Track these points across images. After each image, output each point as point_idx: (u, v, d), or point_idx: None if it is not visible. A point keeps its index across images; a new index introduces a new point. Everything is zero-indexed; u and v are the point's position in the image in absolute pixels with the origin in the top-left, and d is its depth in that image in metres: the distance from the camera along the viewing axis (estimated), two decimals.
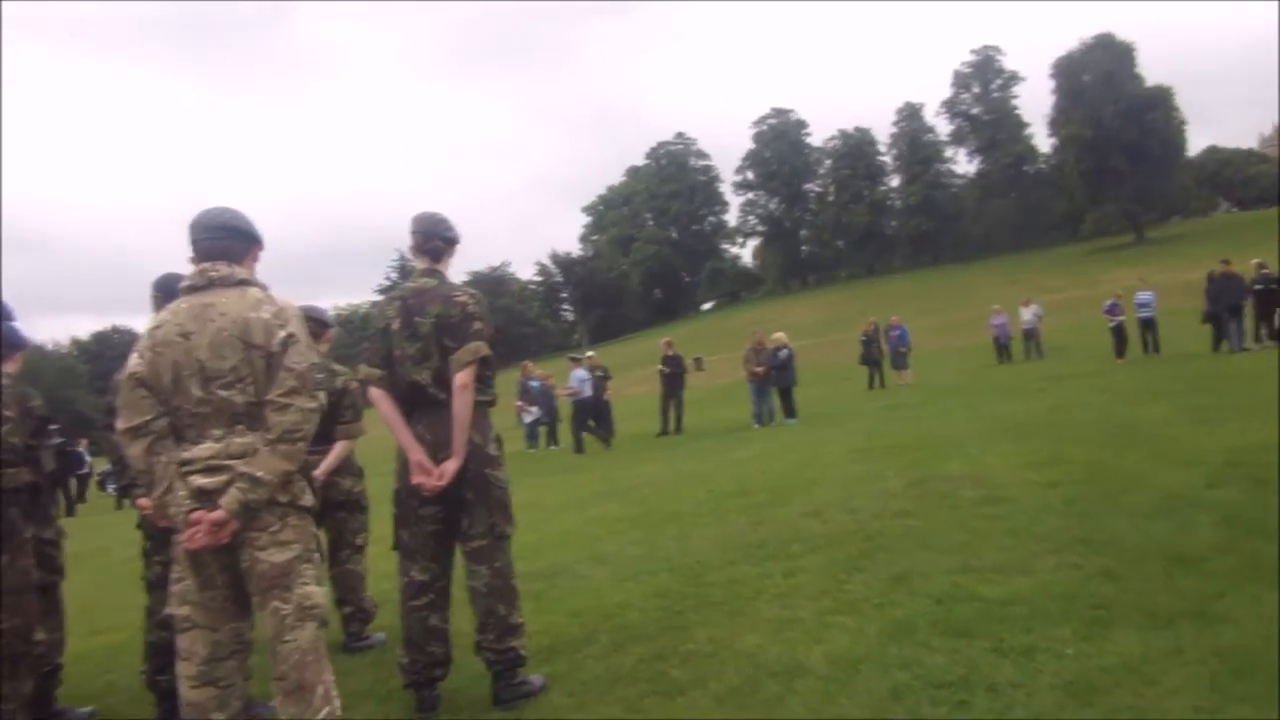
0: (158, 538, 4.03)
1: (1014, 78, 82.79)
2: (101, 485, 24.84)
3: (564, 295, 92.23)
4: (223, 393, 2.83)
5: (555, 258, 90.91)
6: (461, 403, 3.73)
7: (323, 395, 2.92)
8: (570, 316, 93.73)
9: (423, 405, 3.82)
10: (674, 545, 6.51)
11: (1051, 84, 70.74)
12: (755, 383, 17.03)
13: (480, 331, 3.83)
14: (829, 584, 4.81)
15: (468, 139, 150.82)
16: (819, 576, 4.99)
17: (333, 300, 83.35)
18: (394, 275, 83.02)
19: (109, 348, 75.60)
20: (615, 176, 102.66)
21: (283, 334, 2.86)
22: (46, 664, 3.53)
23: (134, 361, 2.91)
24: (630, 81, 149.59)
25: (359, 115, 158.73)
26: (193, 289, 2.96)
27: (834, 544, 5.70)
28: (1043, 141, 78.71)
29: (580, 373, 17.58)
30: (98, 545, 11.87)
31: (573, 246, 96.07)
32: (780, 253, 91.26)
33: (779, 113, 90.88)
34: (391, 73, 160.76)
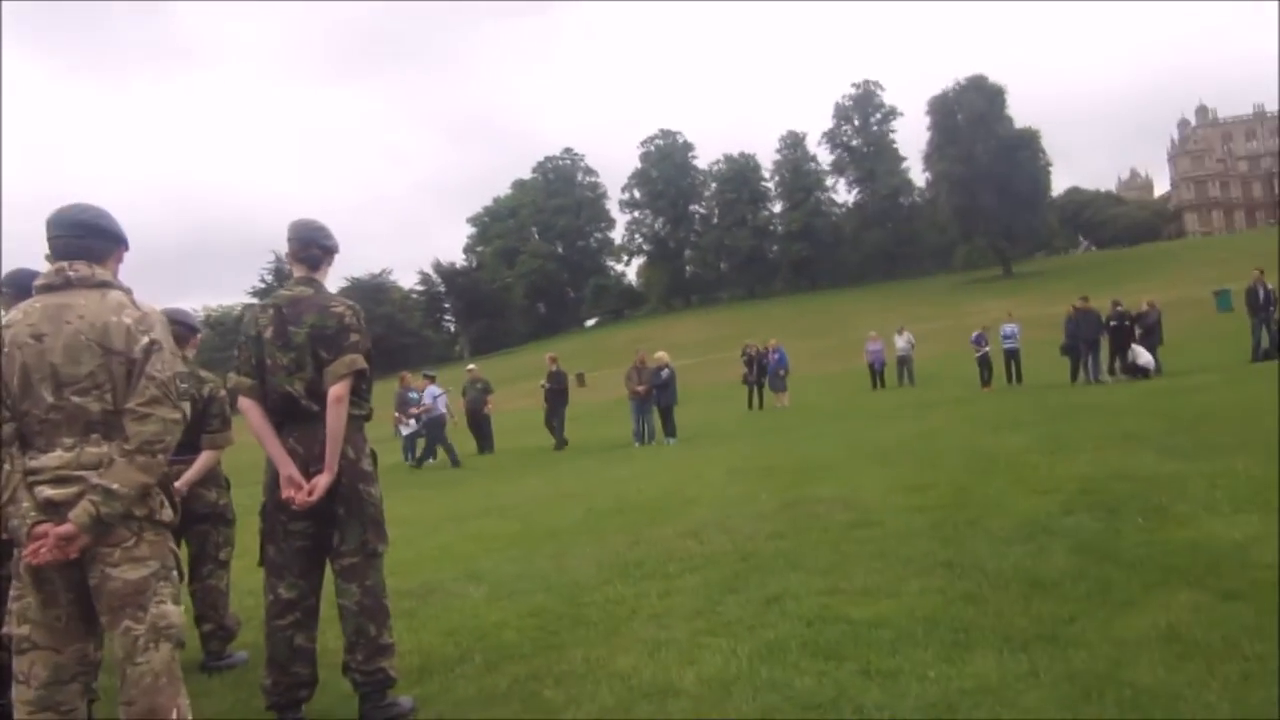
0: None
1: (892, 112, 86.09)
2: None
3: (446, 305, 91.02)
4: (77, 399, 2.67)
5: (438, 267, 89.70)
6: (335, 416, 3.62)
7: (187, 406, 2.79)
8: (452, 328, 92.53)
9: (294, 417, 3.69)
10: (551, 564, 6.46)
11: (927, 120, 73.79)
12: (636, 401, 17.11)
13: (357, 344, 3.73)
14: (704, 605, 4.85)
15: (347, 140, 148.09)
16: (694, 597, 5.02)
17: (202, 301, 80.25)
18: (269, 278, 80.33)
19: None
20: (501, 188, 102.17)
21: (145, 340, 2.72)
22: None
23: None
24: (518, 93, 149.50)
25: (233, 112, 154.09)
26: (49, 288, 2.79)
27: (710, 564, 5.75)
28: (918, 175, 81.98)
29: (434, 389, 17.54)
30: None
31: (457, 256, 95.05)
32: (664, 272, 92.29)
33: (666, 134, 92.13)
34: (269, 69, 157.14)
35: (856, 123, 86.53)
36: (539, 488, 11.75)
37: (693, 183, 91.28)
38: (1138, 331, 18.55)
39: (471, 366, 20.78)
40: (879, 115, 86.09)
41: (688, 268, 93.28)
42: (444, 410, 17.42)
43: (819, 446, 12.36)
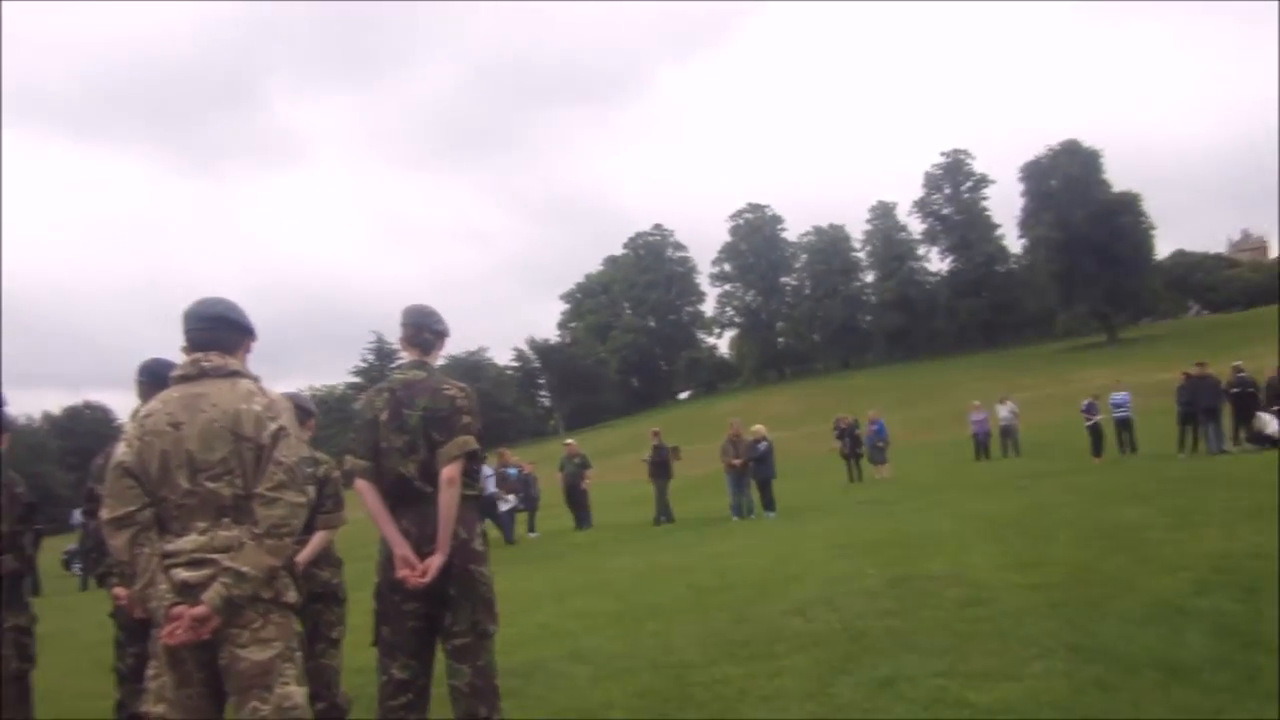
0: (132, 629, 3.92)
1: (983, 180, 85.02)
2: (66, 565, 24.21)
3: (541, 381, 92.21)
4: (210, 484, 2.78)
5: (532, 343, 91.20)
6: (448, 497, 3.68)
7: (311, 490, 2.88)
8: (547, 403, 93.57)
9: (408, 498, 3.76)
10: (655, 642, 6.39)
11: (1020, 186, 72.67)
12: (733, 475, 16.97)
13: (468, 425, 3.81)
14: (815, 687, 4.72)
15: (436, 224, 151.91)
16: (804, 678, 4.90)
17: (307, 381, 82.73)
18: (370, 358, 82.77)
19: (80, 423, 74.56)
20: (592, 265, 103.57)
21: (273, 426, 2.83)
22: None
23: (122, 450, 2.85)
24: (605, 172, 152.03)
25: (326, 200, 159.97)
26: (184, 378, 2.92)
27: (818, 644, 5.61)
28: (1013, 242, 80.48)
29: (485, 469, 17.71)
30: (64, 627, 11.51)
31: (550, 333, 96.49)
32: (757, 344, 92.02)
33: (755, 207, 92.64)
34: (359, 159, 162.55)
35: (947, 191, 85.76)
36: (638, 563, 11.68)
37: (783, 255, 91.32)
38: (1262, 398, 17.66)
39: (569, 441, 20.94)
40: (970, 183, 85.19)
41: (780, 339, 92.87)
42: (493, 489, 17.54)
43: (924, 520, 12.03)
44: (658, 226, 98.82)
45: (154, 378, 4.17)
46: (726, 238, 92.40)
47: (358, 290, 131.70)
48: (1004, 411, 25.18)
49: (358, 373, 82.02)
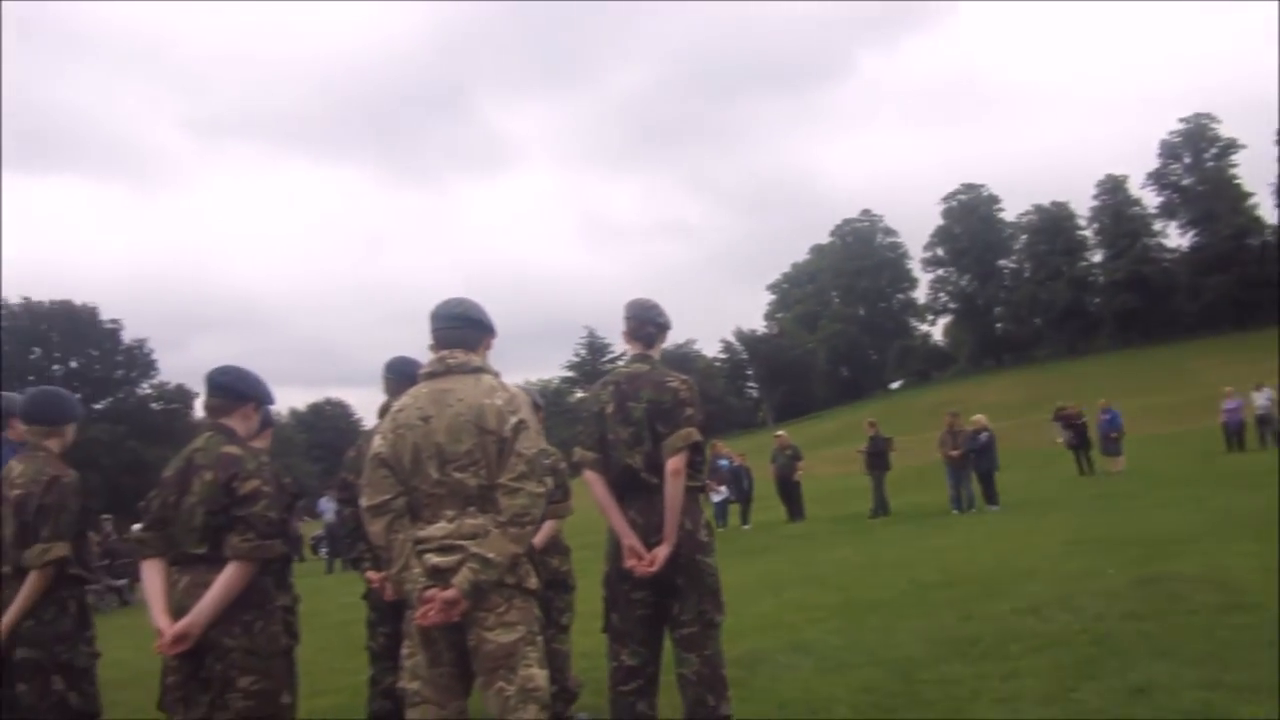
0: (383, 610, 4.21)
1: (1232, 145, 77.63)
2: (314, 549, 26.32)
3: (749, 372, 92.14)
4: (458, 475, 2.94)
5: (740, 335, 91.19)
6: (673, 488, 3.74)
7: (550, 480, 3.00)
8: (755, 394, 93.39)
9: (635, 489, 3.85)
10: (878, 637, 6.26)
11: (1277, 150, 66.03)
12: (952, 466, 16.36)
13: (692, 417, 3.86)
14: (1056, 690, 4.49)
15: (641, 220, 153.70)
16: (1044, 681, 4.67)
17: (523, 376, 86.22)
18: (582, 352, 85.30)
19: (322, 418, 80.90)
20: (798, 254, 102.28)
21: (514, 420, 2.96)
22: None
23: (378, 443, 3.07)
24: (807, 160, 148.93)
25: (537, 202, 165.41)
26: (432, 375, 3.11)
27: (1057, 645, 5.34)
28: (1269, 212, 73.17)
29: None
30: (314, 607, 12.50)
31: (757, 324, 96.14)
32: (973, 330, 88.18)
33: (969, 188, 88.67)
34: (563, 160, 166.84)
35: (1188, 160, 78.92)
36: (855, 556, 11.47)
37: (1000, 236, 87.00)
38: None
39: (780, 433, 20.82)
40: (1215, 150, 78.14)
41: (998, 325, 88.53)
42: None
43: (1170, 516, 11.18)
44: (866, 212, 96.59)
45: (399, 374, 4.47)
46: (939, 221, 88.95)
47: (568, 287, 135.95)
48: (1260, 399, 23.00)
49: (570, 367, 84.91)
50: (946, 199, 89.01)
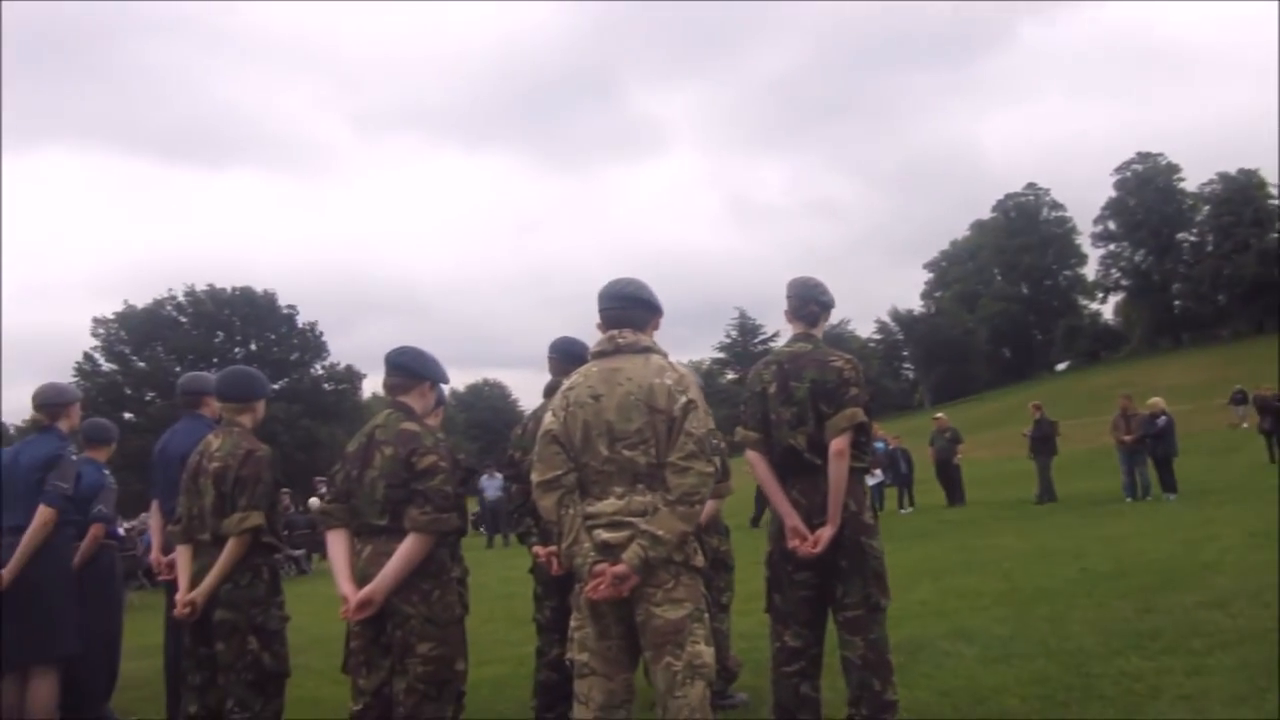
0: (549, 584, 4.34)
1: None
2: (475, 525, 27.27)
3: (905, 354, 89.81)
4: (627, 453, 3.00)
5: (895, 315, 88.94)
6: (838, 469, 3.70)
7: (718, 460, 3.01)
8: (911, 375, 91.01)
9: (797, 470, 3.83)
10: (1048, 627, 6.04)
11: None
12: (1124, 451, 15.54)
13: (857, 397, 3.80)
14: (1248, 690, 4.23)
15: (789, 200, 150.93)
16: (1233, 679, 4.41)
17: (674, 357, 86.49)
18: (734, 333, 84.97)
19: (480, 398, 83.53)
20: (957, 231, 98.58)
21: (684, 399, 2.99)
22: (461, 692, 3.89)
23: (549, 420, 3.15)
24: (964, 134, 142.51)
25: (685, 185, 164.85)
26: (602, 354, 3.17)
27: (1246, 642, 5.03)
28: None
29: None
30: (477, 581, 12.94)
31: (914, 303, 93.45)
32: (1148, 308, 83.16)
33: (1145, 157, 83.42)
34: (705, 142, 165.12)
35: None
36: (1019, 543, 11.07)
37: (1179, 208, 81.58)
38: None
39: (939, 415, 20.25)
40: None
41: (1176, 302, 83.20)
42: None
43: None
44: (1030, 186, 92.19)
45: (564, 354, 4.57)
46: (1111, 193, 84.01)
47: (716, 269, 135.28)
48: None
49: (722, 348, 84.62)
50: (1120, 170, 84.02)
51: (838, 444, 3.71)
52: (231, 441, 4.00)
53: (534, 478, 3.14)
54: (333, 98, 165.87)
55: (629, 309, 3.21)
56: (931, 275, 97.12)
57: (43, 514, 4.62)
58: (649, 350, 3.14)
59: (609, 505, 3.00)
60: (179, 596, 3.91)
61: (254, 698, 3.81)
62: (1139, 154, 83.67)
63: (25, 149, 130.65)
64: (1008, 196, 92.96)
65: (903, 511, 18.22)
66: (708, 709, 2.94)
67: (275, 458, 4.10)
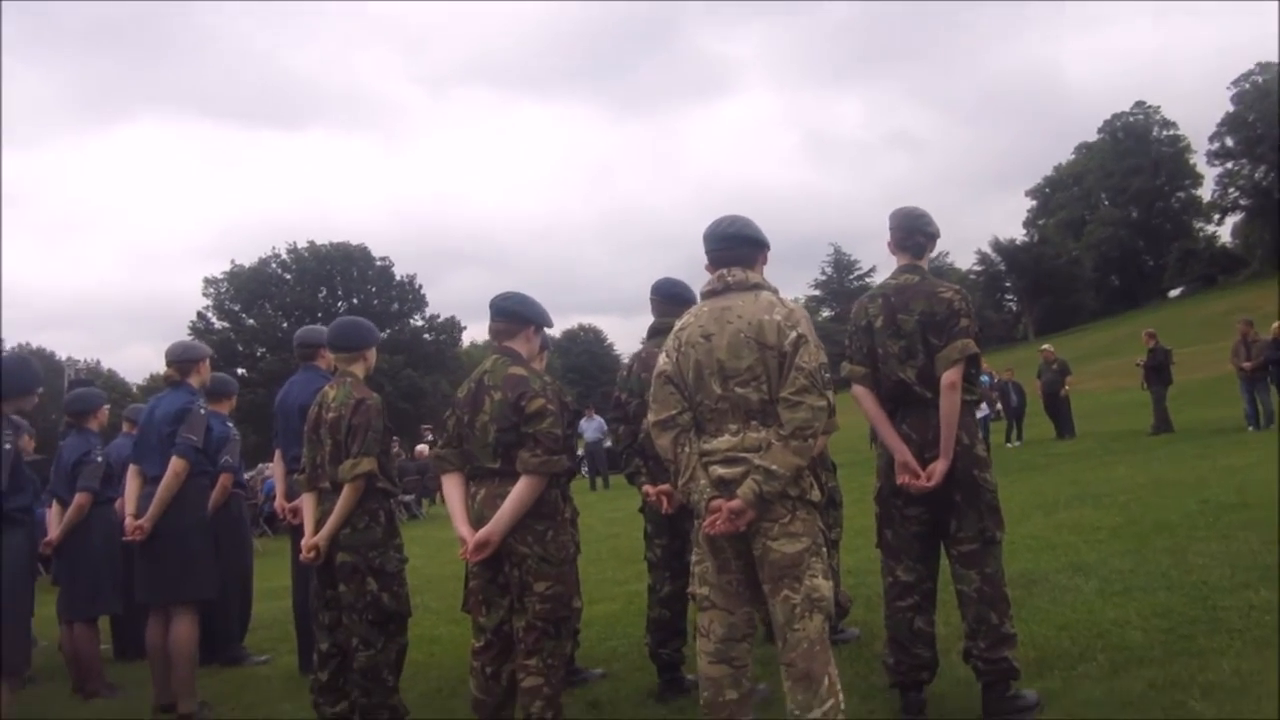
0: (659, 523, 4.39)
1: None
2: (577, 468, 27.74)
3: (1007, 284, 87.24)
4: (739, 390, 2.99)
5: (997, 245, 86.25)
6: (949, 402, 3.63)
7: (830, 394, 2.98)
8: (1014, 307, 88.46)
9: (907, 404, 3.77)
10: (1169, 560, 5.87)
11: None
12: (1245, 379, 14.88)
13: (967, 329, 3.71)
14: None
15: (862, 134, 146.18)
16: None
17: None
18: (829, 270, 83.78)
19: (576, 344, 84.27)
20: (1060, 156, 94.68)
21: (793, 335, 2.97)
22: (576, 629, 4.00)
23: (663, 361, 3.17)
24: (1061, 55, 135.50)
25: (760, 125, 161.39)
26: (712, 293, 3.16)
27: None
28: None
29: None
30: (582, 522, 13.21)
31: (1016, 232, 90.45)
32: (1271, 229, 78.79)
33: (1266, 68, 78.38)
34: (777, 81, 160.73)
35: None
36: (1135, 475, 10.74)
37: None
38: None
39: (1046, 347, 19.68)
40: None
41: None
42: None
43: None
44: (1139, 104, 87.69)
45: (666, 295, 4.58)
46: (1228, 107, 79.45)
47: (799, 207, 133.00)
48: None
49: (816, 285, 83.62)
50: (1237, 82, 79.15)
51: (949, 376, 3.64)
52: (344, 391, 4.12)
53: (650, 417, 3.17)
54: (401, 58, 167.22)
55: (735, 247, 3.18)
56: (1034, 203, 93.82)
57: (175, 465, 4.85)
58: (758, 287, 3.12)
59: (724, 442, 3.00)
60: (304, 542, 4.08)
61: (376, 636, 3.97)
62: (1259, 64, 78.69)
63: (117, 122, 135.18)
64: (1115, 117, 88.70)
65: (1010, 445, 17.86)
66: (826, 641, 2.95)
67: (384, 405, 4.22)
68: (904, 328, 3.76)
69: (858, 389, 3.88)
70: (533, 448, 3.40)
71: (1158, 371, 16.28)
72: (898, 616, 3.79)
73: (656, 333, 4.52)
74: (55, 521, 5.84)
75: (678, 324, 3.23)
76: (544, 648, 3.39)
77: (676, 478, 3.09)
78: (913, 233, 3.92)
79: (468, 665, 3.63)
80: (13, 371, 4.58)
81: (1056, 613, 4.97)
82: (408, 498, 19.07)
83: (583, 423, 22.89)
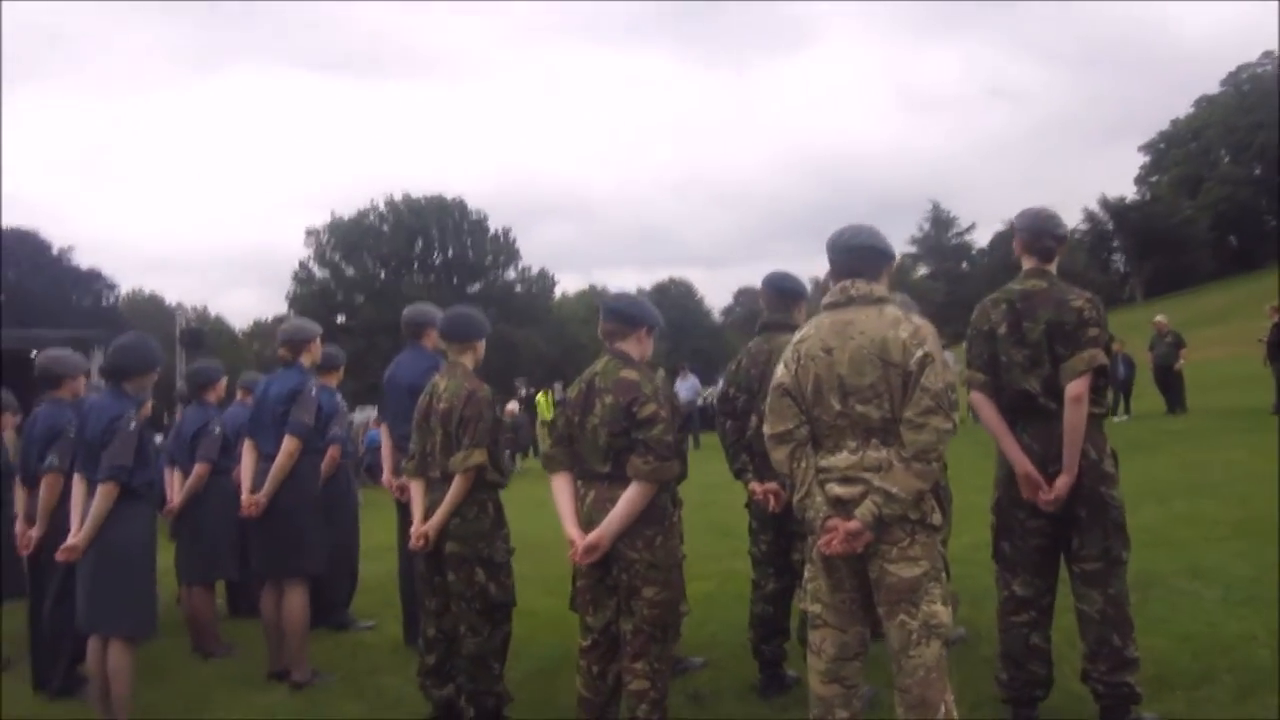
0: (764, 519, 4.34)
1: None
2: None
3: (1115, 244, 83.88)
4: (860, 407, 2.91)
5: (1105, 202, 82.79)
6: (1075, 415, 3.49)
7: (957, 416, 2.88)
8: (1122, 268, 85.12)
9: (1030, 414, 3.63)
10: None
11: None
12: None
13: (1096, 338, 3.55)
14: None
15: (955, 88, 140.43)
16: None
17: None
18: (925, 226, 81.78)
19: (667, 297, 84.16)
20: (1179, 109, 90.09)
21: (920, 353, 2.86)
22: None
23: (780, 373, 3.09)
24: (1177, 5, 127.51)
25: (845, 78, 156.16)
26: (834, 305, 3.07)
27: None
28: None
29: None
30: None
31: (1126, 190, 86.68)
32: None
33: None
34: (870, 32, 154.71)
35: None
36: (1254, 461, 10.22)
37: None
38: None
39: (1160, 318, 18.85)
40: None
41: None
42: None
43: None
44: (1266, 55, 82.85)
45: (776, 289, 4.49)
46: None
47: (890, 161, 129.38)
48: None
49: (913, 241, 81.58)
50: None
51: (1075, 388, 3.49)
52: (456, 383, 4.15)
53: (766, 430, 3.11)
54: (498, 16, 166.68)
55: (860, 259, 3.07)
56: (1147, 159, 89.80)
57: (288, 444, 4.98)
58: (882, 301, 3.01)
59: (842, 460, 2.93)
60: (414, 529, 4.15)
61: (483, 624, 4.03)
62: None
63: (220, 72, 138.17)
64: (1240, 68, 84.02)
65: (1116, 419, 17.24)
66: (944, 668, 2.88)
67: (494, 395, 4.25)
68: (1029, 336, 3.61)
69: (977, 396, 3.75)
70: (644, 454, 3.37)
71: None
72: (1013, 632, 3.69)
73: (765, 328, 4.44)
74: (176, 487, 6.08)
75: (797, 335, 3.15)
76: (650, 651, 3.40)
77: (792, 493, 3.03)
78: (1041, 235, 3.75)
79: (567, 644, 3.66)
80: (134, 351, 4.75)
81: (1176, 623, 4.78)
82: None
83: (676, 382, 22.92)
